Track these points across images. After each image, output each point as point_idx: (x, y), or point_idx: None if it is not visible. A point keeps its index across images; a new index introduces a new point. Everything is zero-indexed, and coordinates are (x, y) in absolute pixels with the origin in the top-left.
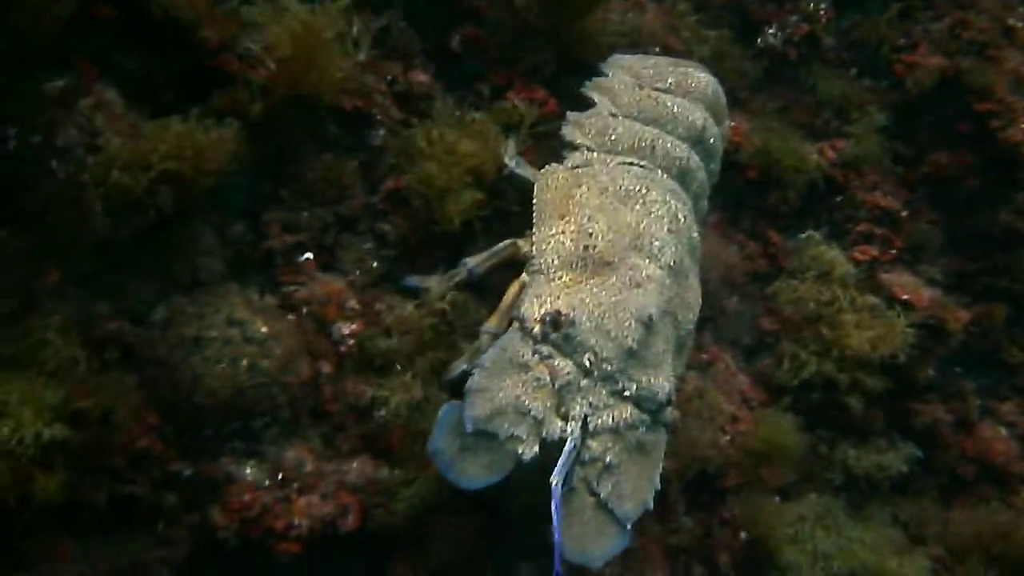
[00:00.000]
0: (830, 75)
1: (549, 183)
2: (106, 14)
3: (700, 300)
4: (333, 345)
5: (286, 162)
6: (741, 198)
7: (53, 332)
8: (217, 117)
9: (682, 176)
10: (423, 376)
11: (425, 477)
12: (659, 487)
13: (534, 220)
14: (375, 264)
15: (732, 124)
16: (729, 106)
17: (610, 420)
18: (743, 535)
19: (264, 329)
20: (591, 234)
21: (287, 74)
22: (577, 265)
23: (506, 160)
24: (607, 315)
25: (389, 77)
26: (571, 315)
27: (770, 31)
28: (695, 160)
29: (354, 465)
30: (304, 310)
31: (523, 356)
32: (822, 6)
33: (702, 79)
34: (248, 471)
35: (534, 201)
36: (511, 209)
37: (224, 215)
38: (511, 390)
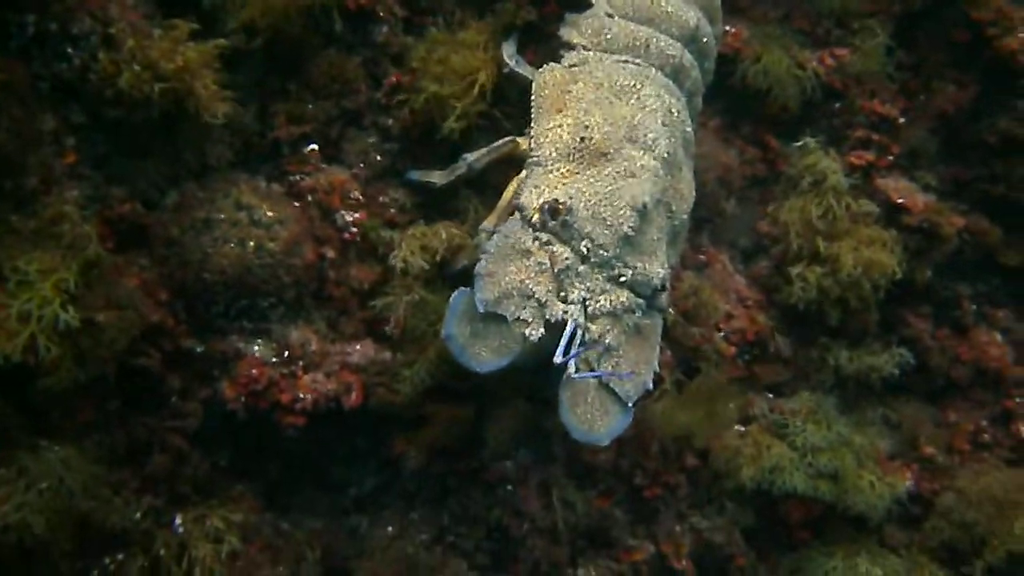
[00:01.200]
0: None
1: (547, 80)
2: None
3: (694, 192)
4: (337, 232)
5: (294, 57)
6: (740, 103)
7: (71, 207)
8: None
9: (676, 74)
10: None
11: (425, 359)
12: (657, 369)
13: (532, 115)
14: (379, 157)
15: (732, 30)
16: (729, 13)
17: (607, 304)
18: (736, 428)
19: (270, 213)
20: (587, 126)
21: None
22: (574, 156)
23: (506, 59)
24: (603, 203)
25: None
26: (568, 203)
27: None
28: (688, 58)
29: (357, 347)
30: (309, 198)
31: (524, 243)
32: None
33: None
34: (256, 348)
35: (532, 98)
36: (510, 113)
37: (234, 105)
38: (515, 275)
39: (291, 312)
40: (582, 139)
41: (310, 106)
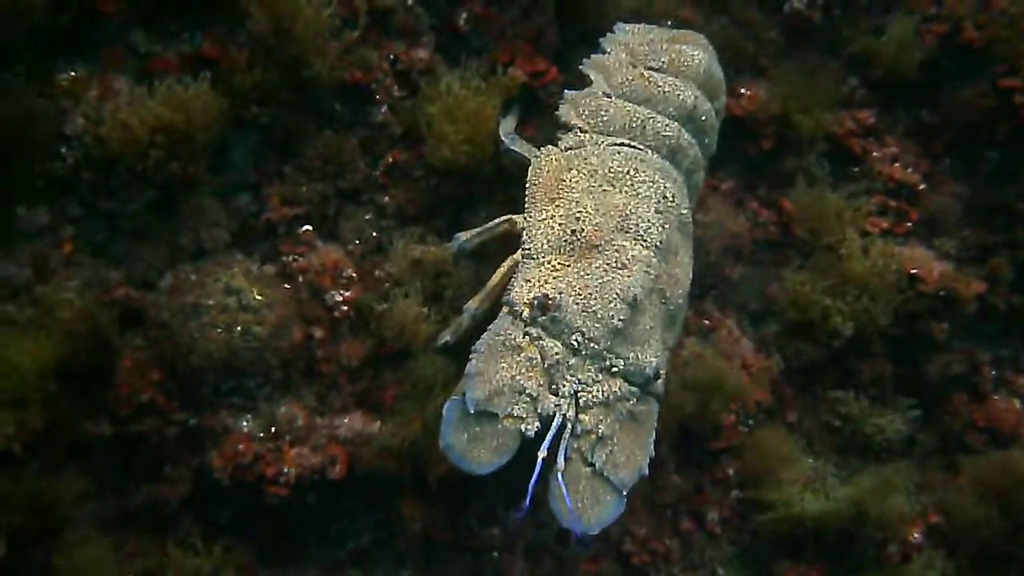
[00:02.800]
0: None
1: (542, 166)
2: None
3: (691, 275)
4: (327, 311)
5: (290, 139)
6: (756, 166)
7: (62, 301)
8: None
9: (673, 154)
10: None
11: (412, 431)
12: (653, 454)
13: (526, 205)
14: (374, 234)
15: (748, 93)
16: (749, 74)
17: (600, 394)
18: (734, 493)
19: (259, 297)
20: (578, 218)
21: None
22: (566, 249)
23: (502, 136)
24: (593, 296)
25: (391, 56)
26: (558, 298)
27: None
28: (686, 138)
29: (346, 420)
30: (301, 279)
31: (515, 339)
32: None
33: (695, 57)
34: (244, 424)
35: (527, 185)
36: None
37: (231, 189)
38: (506, 371)
39: (279, 390)
40: (573, 232)
41: (304, 188)
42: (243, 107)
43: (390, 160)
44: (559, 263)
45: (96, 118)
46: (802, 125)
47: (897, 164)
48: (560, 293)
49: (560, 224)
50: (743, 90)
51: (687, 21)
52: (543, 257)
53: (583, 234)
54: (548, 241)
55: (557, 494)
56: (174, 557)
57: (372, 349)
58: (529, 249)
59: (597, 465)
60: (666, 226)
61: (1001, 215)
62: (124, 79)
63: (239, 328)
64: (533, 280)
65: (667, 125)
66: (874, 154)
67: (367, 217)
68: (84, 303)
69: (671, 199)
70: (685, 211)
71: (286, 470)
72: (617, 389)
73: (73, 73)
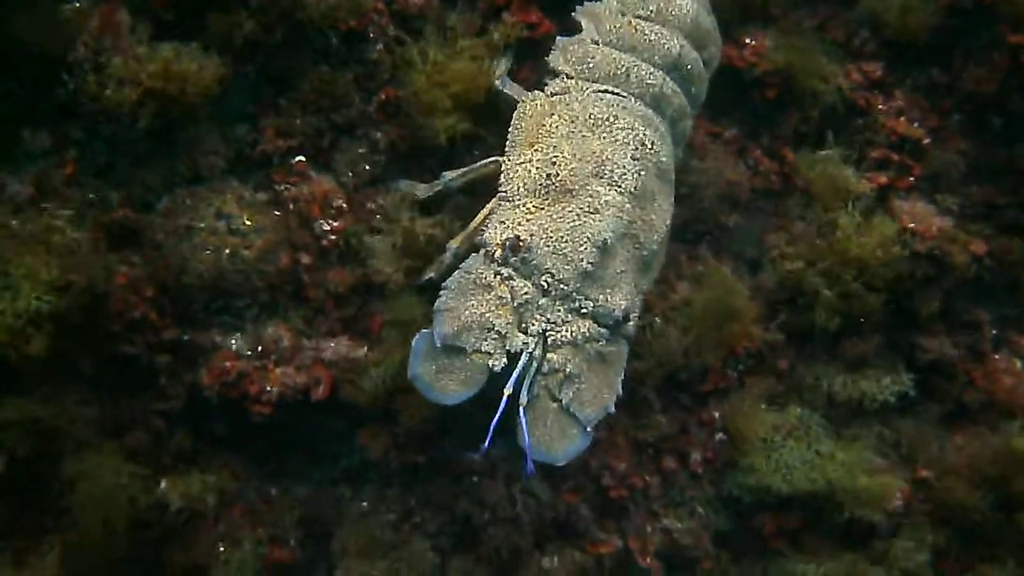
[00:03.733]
0: None
1: (526, 111)
2: None
3: (668, 221)
4: (315, 239)
5: (287, 73)
6: (760, 114)
7: (63, 219)
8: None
9: (656, 102)
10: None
11: (392, 361)
12: (620, 393)
13: (507, 148)
14: (367, 167)
15: (752, 42)
16: (759, 22)
17: (568, 334)
18: (718, 436)
19: (248, 223)
20: (555, 163)
21: None
22: (541, 192)
23: (495, 78)
24: (565, 239)
25: None
26: (529, 240)
27: None
28: (670, 86)
29: (331, 344)
30: (291, 207)
31: (485, 277)
32: None
33: (683, 6)
34: (233, 342)
35: (510, 129)
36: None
37: (229, 118)
38: (476, 308)
39: (266, 311)
40: (548, 176)
41: (298, 120)
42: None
43: (383, 97)
44: (534, 206)
45: (95, 47)
46: (805, 79)
47: (903, 118)
48: (532, 235)
49: (537, 168)
50: (748, 39)
51: None
52: (519, 200)
53: (558, 178)
54: (524, 184)
55: (523, 427)
56: (168, 465)
57: (360, 278)
58: (505, 192)
59: (564, 401)
60: (642, 173)
61: (1009, 174)
62: (125, 12)
63: (227, 251)
64: (507, 222)
65: (652, 73)
66: (879, 107)
67: (360, 151)
68: (76, 234)
69: (650, 146)
70: (665, 158)
71: (269, 388)
72: (586, 330)
73: (77, 4)
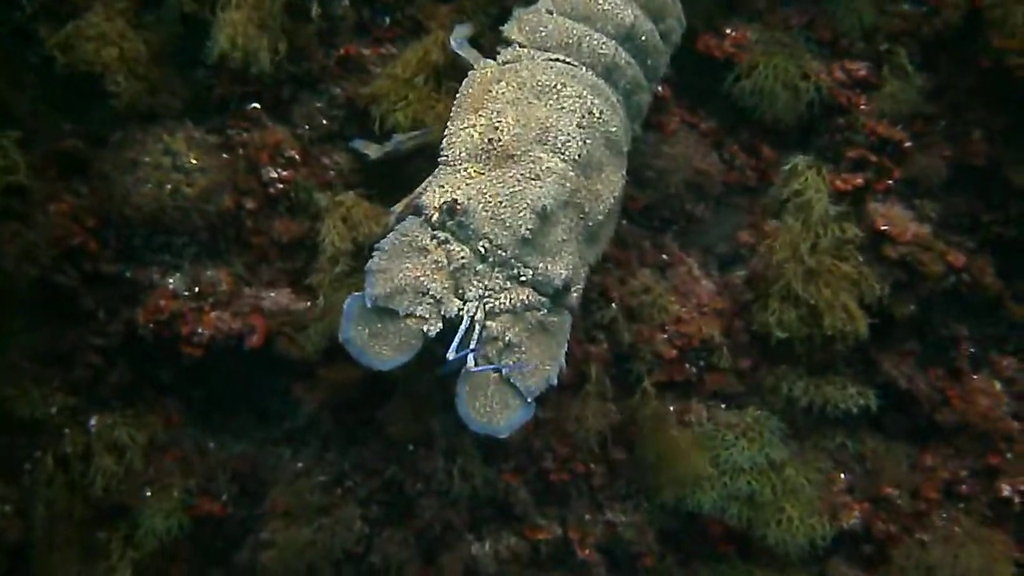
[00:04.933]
0: None
1: (476, 78)
2: None
3: (617, 193)
4: (262, 186)
5: None
6: (739, 109)
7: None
8: None
9: (608, 73)
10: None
11: (331, 320)
12: (564, 365)
13: (451, 113)
14: (324, 121)
15: (733, 32)
16: (745, 15)
17: (507, 302)
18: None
19: (194, 161)
20: (497, 128)
21: None
22: (482, 157)
23: (451, 40)
24: (504, 205)
25: None
26: (466, 204)
27: None
28: (623, 57)
29: (272, 294)
30: (240, 151)
31: (421, 240)
32: None
33: None
34: (171, 281)
35: (457, 94)
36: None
37: (189, 61)
38: (410, 271)
39: (206, 252)
40: (490, 140)
41: (253, 67)
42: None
43: (342, 52)
44: (475, 171)
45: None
46: (785, 73)
47: (885, 119)
48: (470, 199)
49: (480, 133)
50: (729, 30)
51: None
52: (459, 164)
53: (500, 143)
54: (466, 149)
55: (463, 397)
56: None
57: (308, 232)
58: (447, 156)
59: (504, 371)
60: (588, 141)
61: (995, 185)
62: None
63: (169, 186)
64: (446, 185)
65: (604, 43)
66: (861, 107)
67: (318, 105)
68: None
69: (598, 115)
70: (615, 129)
71: (200, 331)
72: (525, 298)
73: None
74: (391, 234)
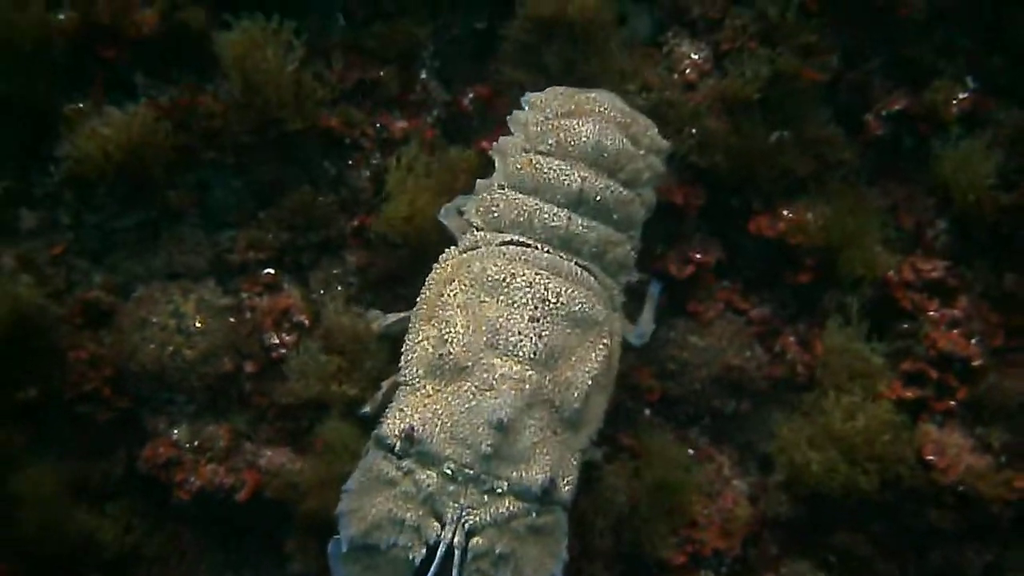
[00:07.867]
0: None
1: (436, 276)
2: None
3: (596, 369)
4: (264, 351)
5: (273, 188)
6: (799, 296)
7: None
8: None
9: (566, 244)
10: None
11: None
12: (566, 557)
13: (410, 322)
14: (339, 287)
15: (790, 215)
16: (814, 193)
17: (487, 517)
18: None
19: (199, 325)
20: (446, 340)
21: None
22: (436, 373)
23: (442, 212)
24: (461, 423)
25: (378, 124)
26: (422, 430)
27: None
28: (578, 224)
29: (269, 453)
30: (248, 315)
31: (387, 473)
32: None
33: (582, 133)
34: (175, 432)
35: (419, 296)
36: None
37: (216, 223)
38: (382, 505)
39: (206, 410)
40: (441, 356)
41: (270, 235)
42: (220, 152)
43: (356, 223)
44: (432, 388)
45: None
46: (848, 263)
47: (956, 331)
48: (425, 424)
49: (432, 347)
50: (786, 212)
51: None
52: (417, 383)
53: (451, 357)
54: (421, 365)
55: None
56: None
57: (315, 395)
58: (404, 376)
59: None
60: (544, 334)
61: None
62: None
63: (171, 348)
64: (405, 408)
65: (555, 215)
66: (929, 313)
67: (335, 271)
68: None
69: (555, 299)
70: (579, 305)
71: (192, 480)
72: (507, 508)
73: (81, 105)
74: (356, 473)
